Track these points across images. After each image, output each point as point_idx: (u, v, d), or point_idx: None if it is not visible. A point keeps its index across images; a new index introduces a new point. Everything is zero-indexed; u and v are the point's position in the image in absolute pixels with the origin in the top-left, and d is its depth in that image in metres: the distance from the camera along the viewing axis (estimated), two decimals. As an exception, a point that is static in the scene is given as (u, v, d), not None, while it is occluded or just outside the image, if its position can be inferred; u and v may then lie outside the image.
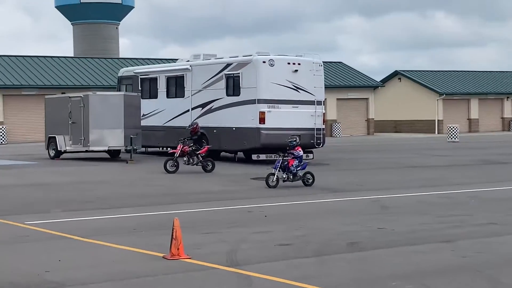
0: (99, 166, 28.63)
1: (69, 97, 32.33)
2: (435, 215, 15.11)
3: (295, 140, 20.69)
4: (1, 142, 48.36)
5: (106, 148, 31.35)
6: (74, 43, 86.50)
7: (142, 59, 59.76)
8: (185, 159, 25.10)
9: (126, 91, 34.56)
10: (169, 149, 34.88)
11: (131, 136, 30.47)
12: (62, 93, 38.19)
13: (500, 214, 15.34)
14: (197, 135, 25.64)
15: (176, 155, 25.01)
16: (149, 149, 35.28)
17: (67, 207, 16.94)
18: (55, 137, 31.96)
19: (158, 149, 35.27)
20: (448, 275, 9.61)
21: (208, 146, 25.63)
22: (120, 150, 31.85)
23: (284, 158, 20.32)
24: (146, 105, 33.43)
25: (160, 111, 33.58)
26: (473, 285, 9.09)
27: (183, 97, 32.18)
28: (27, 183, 22.29)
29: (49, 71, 52.86)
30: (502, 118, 71.12)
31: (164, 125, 33.12)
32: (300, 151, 20.62)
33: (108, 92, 35.28)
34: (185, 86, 32.17)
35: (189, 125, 26.40)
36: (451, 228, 13.51)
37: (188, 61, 32.88)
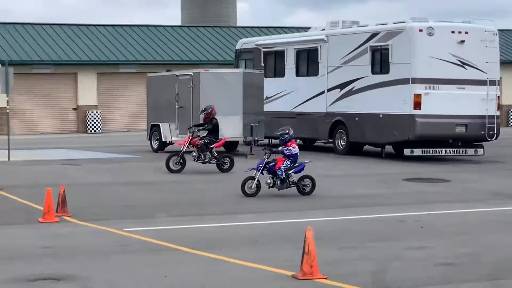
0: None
1: (176, 75, 32.80)
2: None
3: (287, 133, 19.43)
4: (96, 131, 49.95)
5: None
6: (182, 9, 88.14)
7: (265, 27, 60.18)
8: (194, 154, 24.54)
9: (245, 67, 34.85)
10: (298, 140, 35.18)
11: (252, 124, 30.73)
12: (168, 70, 39.04)
13: None
14: (212, 123, 24.80)
15: (183, 149, 24.69)
16: (274, 141, 35.53)
17: (173, 211, 17.35)
18: (159, 125, 32.53)
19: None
20: None
21: (225, 138, 24.88)
22: (238, 141, 32.19)
23: (269, 156, 19.26)
24: (270, 85, 33.60)
25: (287, 93, 33.70)
26: None
27: (317, 75, 32.18)
28: (127, 181, 22.96)
29: (152, 43, 54.05)
30: None
31: (292, 110, 33.23)
32: (293, 147, 19.33)
33: (223, 69, 35.66)
34: (319, 61, 32.14)
35: (203, 109, 25.55)
36: None
37: (323, 30, 32.82)
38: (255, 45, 36.05)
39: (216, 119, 24.99)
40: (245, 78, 31.40)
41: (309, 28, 37.52)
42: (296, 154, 19.31)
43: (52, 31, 53.00)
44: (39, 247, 13.29)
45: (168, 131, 32.13)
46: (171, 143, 32.26)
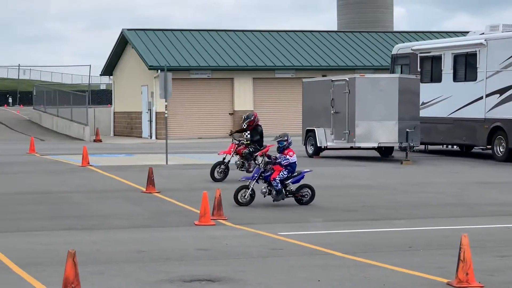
0: (367, 167, 29.00)
1: (332, 80, 32.92)
2: None
3: (286, 140, 18.36)
4: (250, 135, 50.50)
5: (376, 145, 31.61)
6: (338, 14, 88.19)
7: (422, 32, 59.59)
8: (237, 162, 23.71)
9: (401, 72, 34.67)
10: (454, 146, 34.67)
11: (407, 130, 30.48)
12: (323, 75, 39.21)
13: None
14: (257, 131, 23.63)
15: (230, 157, 23.86)
16: (430, 147, 35.13)
17: (328, 216, 17.42)
18: (314, 130, 32.73)
19: (441, 146, 35.03)
20: None
21: (269, 146, 22.01)
22: (393, 147, 32.01)
23: (266, 166, 18.35)
24: (427, 90, 33.28)
25: (444, 99, 33.28)
26: None
27: (475, 80, 31.67)
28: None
29: (308, 48, 54.29)
30: None
31: (449, 116, 32.79)
32: (290, 156, 18.28)
33: (379, 75, 35.58)
34: (477, 66, 31.62)
35: (245, 116, 24.02)
36: None
37: (482, 34, 32.27)
38: (412, 50, 35.75)
39: (261, 126, 23.92)
40: (401, 83, 31.18)
41: (467, 32, 36.97)
42: (294, 163, 18.32)
43: (209, 37, 53.95)
44: (195, 249, 13.58)
45: (323, 136, 32.27)
46: (326, 148, 32.40)
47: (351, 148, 32.18)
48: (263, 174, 18.26)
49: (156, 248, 13.70)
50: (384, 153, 32.77)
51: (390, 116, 30.74)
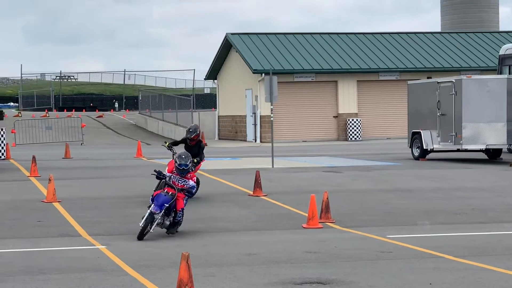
0: (474, 169, 28.70)
1: (437, 82, 32.61)
2: None
3: (189, 161, 15.58)
4: (356, 138, 50.45)
5: (484, 147, 31.19)
6: (442, 15, 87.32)
7: (530, 31, 58.57)
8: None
9: (509, 73, 34.09)
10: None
11: (516, 131, 30.10)
12: (428, 77, 38.90)
13: None
14: (201, 146, 20.68)
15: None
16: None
17: (435, 219, 17.37)
18: (420, 132, 32.52)
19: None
20: None
21: (202, 162, 20.56)
22: (502, 149, 31.56)
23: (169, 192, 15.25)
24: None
25: None
26: None
27: None
28: (388, 188, 23.11)
29: (412, 50, 53.89)
30: None
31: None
32: (192, 181, 15.65)
33: (486, 76, 35.04)
34: None
35: (191, 130, 20.62)
36: None
37: None
38: (522, 50, 35.19)
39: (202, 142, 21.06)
40: (509, 84, 30.70)
41: None
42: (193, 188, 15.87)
43: (312, 40, 54.03)
44: (304, 252, 13.70)
45: (429, 139, 32.03)
46: (432, 150, 32.16)
47: (458, 150, 31.84)
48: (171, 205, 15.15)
49: (265, 250, 13.87)
50: (492, 155, 32.32)
51: (498, 118, 30.33)
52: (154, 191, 16.12)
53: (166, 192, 15.15)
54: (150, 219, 14.89)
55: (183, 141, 20.55)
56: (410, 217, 17.61)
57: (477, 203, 19.79)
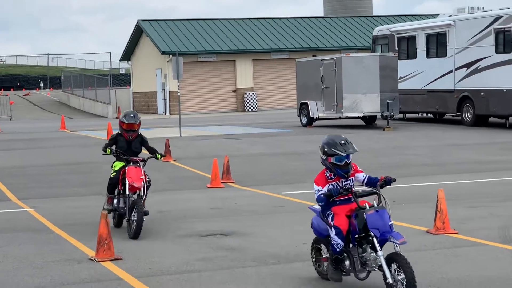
0: (353, 134, 29.04)
1: (321, 60, 32.90)
2: None
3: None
4: (252, 110, 50.62)
5: (361, 115, 31.67)
6: (324, 2, 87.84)
7: (398, 16, 59.39)
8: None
9: (381, 51, 34.61)
10: (429, 114, 34.72)
11: (388, 101, 30.52)
12: (313, 56, 39.13)
13: None
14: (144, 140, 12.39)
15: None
16: (408, 115, 35.18)
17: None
18: (307, 103, 32.80)
19: (417, 114, 35.07)
20: None
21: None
22: (376, 116, 32.07)
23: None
24: (403, 66, 33.24)
25: (419, 73, 33.26)
26: None
27: (445, 56, 31.63)
28: (281, 152, 23.24)
29: (299, 32, 54.21)
30: None
31: (423, 88, 32.78)
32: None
33: (362, 54, 35.53)
34: (447, 44, 31.57)
35: (133, 114, 11.99)
36: None
37: (451, 15, 32.19)
38: (390, 31, 35.72)
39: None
40: (381, 60, 31.22)
41: (438, 15, 36.87)
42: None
43: (213, 25, 53.85)
44: (209, 208, 13.69)
45: (315, 108, 32.39)
46: (318, 118, 32.51)
47: (340, 118, 32.25)
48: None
49: (175, 208, 13.81)
50: (368, 122, 32.85)
51: (373, 89, 30.79)
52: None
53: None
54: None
55: (114, 139, 12.02)
56: (300, 176, 17.72)
57: (356, 163, 19.98)
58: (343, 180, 8.07)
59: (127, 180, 11.36)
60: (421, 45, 33.33)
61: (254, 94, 51.19)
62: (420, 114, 34.80)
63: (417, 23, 37.59)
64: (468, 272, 8.72)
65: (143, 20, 53.47)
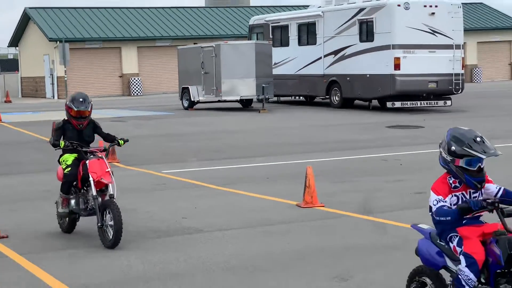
0: (232, 116, 29.21)
1: (201, 47, 32.87)
2: None
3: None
4: (138, 94, 50.12)
5: (238, 98, 31.81)
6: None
7: (273, 6, 59.89)
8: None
9: (257, 39, 34.81)
10: (301, 97, 35.22)
11: (263, 85, 30.77)
12: (194, 43, 39.03)
13: None
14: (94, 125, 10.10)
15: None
16: (281, 98, 35.59)
17: (201, 156, 17.53)
18: (188, 87, 32.73)
19: (290, 98, 35.51)
20: None
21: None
22: (252, 99, 32.32)
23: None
24: (277, 53, 33.54)
25: (291, 59, 33.66)
26: None
27: (315, 44, 32.10)
28: (164, 133, 23.12)
29: (182, 22, 53.96)
30: None
31: (296, 73, 33.22)
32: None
33: (239, 41, 35.63)
34: (316, 33, 32.05)
35: (78, 99, 9.76)
36: None
37: (320, 7, 32.69)
38: (265, 21, 35.94)
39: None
40: (257, 48, 31.43)
41: (308, 6, 37.39)
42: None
43: (99, 13, 52.85)
44: (95, 187, 13.49)
45: (196, 92, 32.33)
46: (198, 102, 32.50)
47: (219, 101, 32.29)
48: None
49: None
50: (245, 105, 33.04)
51: (249, 75, 30.99)
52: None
53: None
54: None
55: (61, 128, 9.49)
56: (181, 156, 17.68)
57: (233, 143, 20.15)
58: (472, 191, 5.70)
59: (90, 176, 8.91)
60: (293, 34, 33.72)
61: (139, 79, 50.69)
62: (293, 97, 35.24)
63: (290, 13, 37.98)
64: (332, 241, 8.95)
65: (30, 8, 52.03)
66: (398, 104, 28.49)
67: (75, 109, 9.38)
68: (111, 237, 8.70)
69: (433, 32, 28.06)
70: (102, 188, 9.08)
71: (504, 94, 39.40)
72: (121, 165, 16.22)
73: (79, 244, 9.11)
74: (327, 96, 31.66)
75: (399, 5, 27.76)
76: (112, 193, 8.91)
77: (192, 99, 32.40)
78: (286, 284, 7.33)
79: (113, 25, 51.60)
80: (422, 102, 28.78)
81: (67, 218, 9.55)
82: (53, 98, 48.89)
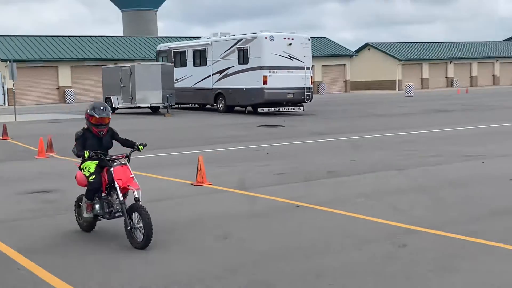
0: (144, 119, 28.74)
1: (120, 67, 32.22)
2: (395, 150, 15.13)
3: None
4: (71, 102, 48.51)
5: (149, 105, 31.39)
6: (123, 26, 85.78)
7: (175, 37, 59.23)
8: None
9: (162, 61, 34.40)
10: (196, 105, 35.03)
11: (167, 95, 30.55)
12: (115, 64, 38.10)
13: (445, 148, 15.33)
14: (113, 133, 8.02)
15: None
16: (181, 105, 35.29)
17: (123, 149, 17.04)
18: (110, 97, 32.03)
19: (188, 105, 35.29)
20: (400, 193, 9.73)
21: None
22: (159, 106, 31.90)
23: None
24: (178, 72, 33.31)
25: (188, 77, 33.43)
26: (419, 200, 9.22)
27: (206, 65, 32.01)
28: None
29: (105, 47, 52.56)
30: (446, 77, 70.59)
31: (192, 86, 33.02)
32: None
33: (149, 63, 35.09)
34: (207, 57, 31.96)
35: (99, 107, 7.55)
36: (407, 159, 13.55)
37: (209, 38, 32.59)
38: (168, 48, 35.57)
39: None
40: (162, 68, 31.15)
41: (200, 37, 37.16)
42: None
43: (41, 40, 50.81)
44: (36, 173, 12.91)
45: (116, 101, 31.81)
46: (118, 108, 31.90)
47: (134, 107, 31.72)
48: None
49: (9, 174, 12.87)
50: (154, 110, 32.60)
51: (157, 87, 30.70)
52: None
53: None
54: None
55: (82, 137, 7.60)
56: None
57: (145, 139, 19.70)
58: None
59: (116, 183, 7.16)
60: (189, 58, 33.48)
61: (72, 90, 49.06)
62: (190, 104, 35.01)
63: (187, 42, 37.74)
64: (217, 210, 8.89)
65: (-14, 35, 49.43)
66: (266, 109, 28.79)
67: (97, 117, 7.41)
68: (141, 239, 6.89)
69: (290, 57, 28.50)
70: (125, 193, 7.29)
71: (340, 103, 40.53)
72: (58, 156, 15.60)
73: (23, 216, 8.64)
74: (215, 104, 31.63)
75: (266, 38, 28.06)
76: (137, 196, 7.06)
77: (113, 106, 31.67)
78: (179, 240, 7.20)
79: (51, 49, 49.69)
80: (283, 108, 29.20)
81: (87, 220, 7.69)
82: (5, 105, 46.56)
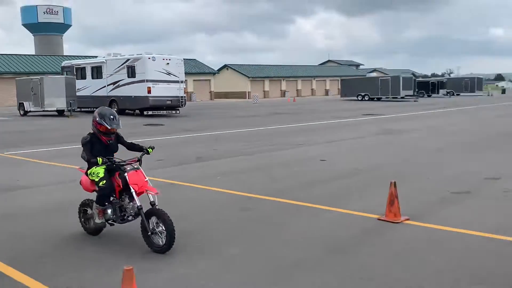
0: (52, 120, 26.69)
1: (31, 79, 29.67)
2: (244, 142, 15.38)
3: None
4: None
5: (55, 109, 29.23)
6: (35, 47, 78.99)
7: (77, 56, 55.57)
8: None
9: (66, 75, 32.18)
10: (94, 109, 33.15)
11: (70, 101, 28.72)
12: (27, 76, 34.91)
13: (278, 139, 15.79)
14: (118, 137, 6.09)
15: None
16: (83, 109, 33.22)
17: (35, 143, 15.70)
18: (23, 102, 29.43)
19: (88, 109, 33.32)
20: (246, 171, 9.94)
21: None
22: (64, 109, 29.84)
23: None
24: (79, 83, 31.37)
25: (88, 87, 31.55)
26: (258, 176, 9.48)
27: (102, 78, 30.42)
28: (7, 131, 20.34)
29: (19, 63, 47.95)
30: (281, 90, 73.41)
31: (91, 95, 31.21)
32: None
33: (56, 76, 32.53)
34: (103, 72, 30.38)
35: (109, 116, 5.69)
36: (253, 148, 13.84)
37: (104, 57, 31.00)
38: (71, 64, 33.36)
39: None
40: (66, 80, 29.21)
41: (97, 56, 35.27)
42: None
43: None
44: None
45: (28, 105, 29.35)
46: (30, 111, 29.46)
47: (43, 111, 29.35)
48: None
49: None
50: (60, 113, 30.40)
51: (61, 95, 28.76)
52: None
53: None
54: None
55: (89, 142, 5.62)
56: (22, 143, 15.51)
57: (54, 135, 18.27)
58: None
59: (132, 188, 5.43)
60: (88, 72, 31.64)
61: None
62: (90, 108, 32.99)
63: (86, 60, 35.53)
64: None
65: None
66: (150, 112, 28.05)
67: (109, 127, 5.60)
68: (163, 242, 5.26)
69: (168, 73, 28.02)
70: (151, 199, 5.46)
71: (206, 107, 40.50)
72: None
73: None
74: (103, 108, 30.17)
75: (149, 58, 27.35)
76: (152, 200, 5.39)
77: (26, 109, 29.12)
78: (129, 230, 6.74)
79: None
80: (164, 111, 28.67)
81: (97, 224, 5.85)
82: None
